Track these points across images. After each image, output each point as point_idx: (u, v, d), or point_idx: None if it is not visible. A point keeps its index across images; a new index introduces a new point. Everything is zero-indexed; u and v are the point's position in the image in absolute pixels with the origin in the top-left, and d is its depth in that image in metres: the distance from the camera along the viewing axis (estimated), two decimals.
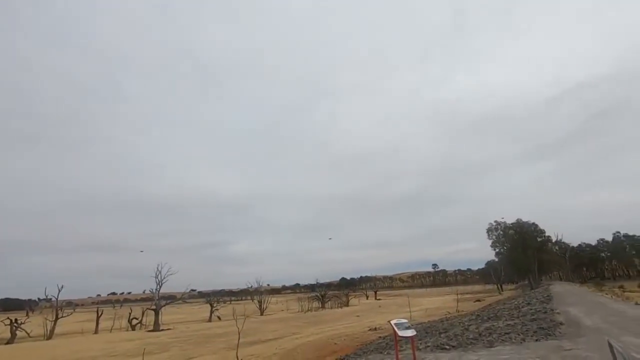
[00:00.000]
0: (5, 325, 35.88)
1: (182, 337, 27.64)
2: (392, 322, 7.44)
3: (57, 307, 38.13)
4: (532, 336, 8.28)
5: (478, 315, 15.34)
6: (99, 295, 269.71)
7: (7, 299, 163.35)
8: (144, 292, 41.89)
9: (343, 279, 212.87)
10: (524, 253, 43.34)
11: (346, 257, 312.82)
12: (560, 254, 57.01)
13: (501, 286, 74.09)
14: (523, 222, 47.75)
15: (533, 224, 47.40)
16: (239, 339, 13.58)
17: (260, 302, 56.04)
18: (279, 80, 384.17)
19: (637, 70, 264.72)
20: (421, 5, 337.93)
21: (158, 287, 37.56)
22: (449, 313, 29.07)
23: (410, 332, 6.96)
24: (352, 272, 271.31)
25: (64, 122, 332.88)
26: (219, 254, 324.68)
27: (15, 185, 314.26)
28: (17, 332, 35.30)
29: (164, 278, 37.85)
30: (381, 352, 10.59)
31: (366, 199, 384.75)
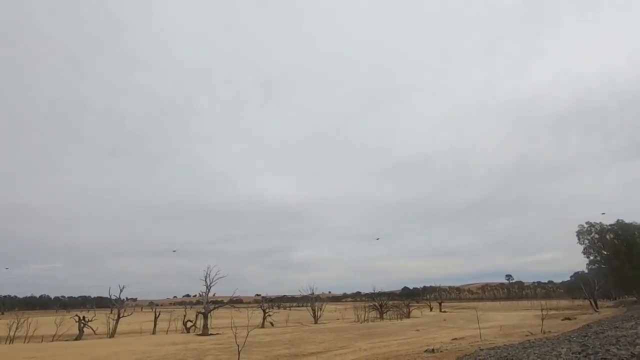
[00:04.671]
0: (75, 322, 38.13)
1: (225, 343, 26.19)
2: None
3: (119, 307, 39.70)
4: None
5: (583, 345, 10.84)
6: (175, 296, 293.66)
7: (99, 297, 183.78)
8: (214, 295, 43.50)
9: (405, 288, 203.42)
10: (629, 262, 34.86)
11: (409, 265, 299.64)
12: None
13: (596, 302, 62.50)
14: (626, 224, 38.64)
15: None
16: (239, 356, 11.10)
17: (314, 309, 53.66)
18: (339, 86, 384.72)
19: None
20: None
21: (207, 290, 37.20)
22: (531, 334, 23.63)
23: None
24: (415, 282, 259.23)
25: (142, 137, 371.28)
26: (283, 260, 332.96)
27: (102, 195, 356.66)
28: (85, 329, 37.33)
29: (213, 281, 37.43)
30: None
31: (430, 205, 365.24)
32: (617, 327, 15.85)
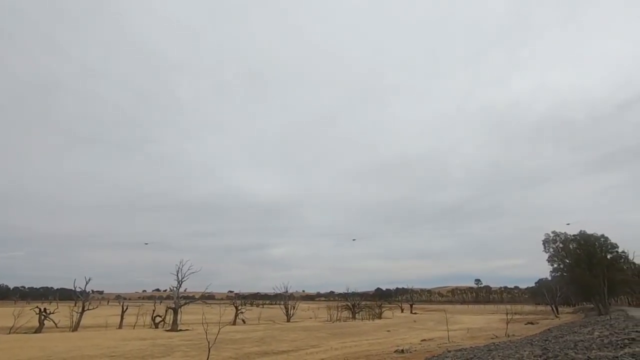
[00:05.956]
0: (36, 314, 36.32)
1: (195, 340, 25.78)
2: None
3: (83, 300, 38.20)
4: None
5: (544, 348, 11.35)
6: (144, 290, 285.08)
7: (62, 289, 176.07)
8: (185, 290, 42.42)
9: (378, 289, 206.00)
10: (589, 271, 36.80)
11: (383, 266, 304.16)
12: (632, 275, 48.64)
13: (557, 308, 65.62)
14: (589, 235, 40.83)
15: (602, 236, 40.30)
16: (209, 353, 10.94)
17: (287, 307, 53.53)
18: (325, 84, 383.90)
19: None
20: (475, 2, 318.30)
21: (179, 285, 36.37)
22: (496, 337, 24.55)
23: None
24: (388, 283, 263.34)
25: (119, 125, 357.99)
26: (259, 257, 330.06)
27: (73, 183, 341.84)
28: (45, 321, 35.63)
29: (185, 276, 36.63)
30: None
31: (408, 207, 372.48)
32: (575, 332, 16.68)
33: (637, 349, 8.62)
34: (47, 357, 17.43)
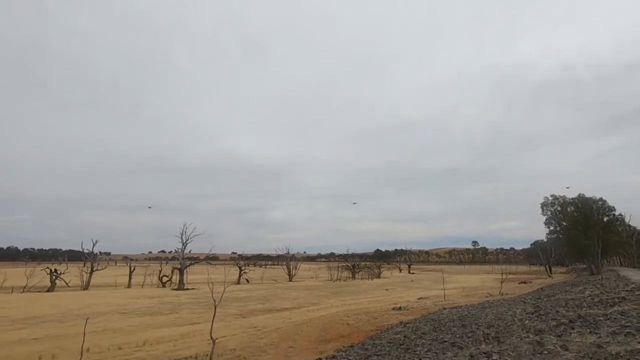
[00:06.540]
0: (47, 274, 37.64)
1: (201, 298, 26.84)
2: None
3: (91, 261, 39.39)
4: None
5: (536, 306, 11.76)
6: (150, 252, 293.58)
7: (71, 251, 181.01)
8: (189, 252, 43.92)
9: (378, 250, 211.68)
10: (585, 233, 37.50)
11: (383, 228, 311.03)
12: (627, 237, 49.61)
13: (550, 268, 67.73)
14: (587, 198, 41.14)
15: (600, 199, 40.63)
16: (215, 310, 11.35)
17: (289, 268, 55.35)
18: (325, 48, 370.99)
19: None
20: None
21: (183, 246, 37.35)
22: (491, 295, 25.51)
23: None
24: (387, 245, 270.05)
25: (115, 89, 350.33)
26: (260, 219, 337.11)
27: (71, 147, 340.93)
28: (57, 281, 37.02)
29: (189, 238, 37.54)
30: (387, 354, 7.69)
31: (407, 170, 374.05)
32: (567, 291, 17.30)
33: (626, 307, 8.94)
34: (60, 314, 18.26)
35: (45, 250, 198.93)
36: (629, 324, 6.63)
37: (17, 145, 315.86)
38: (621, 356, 4.49)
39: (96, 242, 40.28)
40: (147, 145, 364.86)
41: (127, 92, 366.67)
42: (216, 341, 10.25)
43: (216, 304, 11.63)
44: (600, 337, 5.88)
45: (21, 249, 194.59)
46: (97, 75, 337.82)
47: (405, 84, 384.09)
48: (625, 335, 5.74)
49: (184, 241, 37.40)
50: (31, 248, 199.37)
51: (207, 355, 9.88)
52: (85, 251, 41.00)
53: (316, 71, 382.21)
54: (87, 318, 11.00)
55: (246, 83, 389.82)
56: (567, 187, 46.70)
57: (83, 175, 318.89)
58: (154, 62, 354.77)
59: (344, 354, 8.58)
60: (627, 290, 12.87)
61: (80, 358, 8.73)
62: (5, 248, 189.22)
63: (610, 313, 8.36)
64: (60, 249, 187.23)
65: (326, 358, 8.52)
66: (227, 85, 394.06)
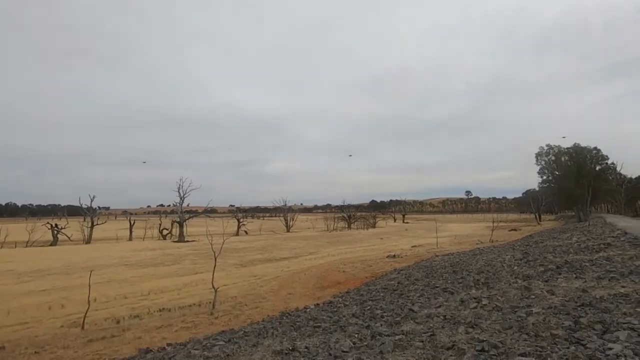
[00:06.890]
0: (48, 229, 38.28)
1: (201, 249, 27.60)
2: None
3: (91, 215, 39.94)
4: None
5: (525, 253, 12.21)
6: (149, 206, 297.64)
7: (70, 206, 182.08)
8: (188, 205, 44.74)
9: (373, 201, 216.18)
10: (576, 181, 38.16)
11: (378, 179, 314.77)
12: (616, 185, 50.69)
13: (540, 216, 70.01)
14: (582, 147, 41.25)
15: (594, 148, 40.78)
16: (215, 260, 11.71)
17: (286, 219, 56.66)
18: None
19: None
20: None
21: (181, 200, 37.76)
22: (481, 242, 26.52)
23: None
24: (383, 195, 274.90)
25: (108, 37, 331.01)
26: (257, 172, 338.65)
27: (64, 98, 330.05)
28: (59, 236, 37.81)
29: (186, 192, 37.84)
30: (381, 299, 8.05)
31: (404, 121, 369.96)
32: (554, 238, 17.98)
33: (611, 253, 9.30)
34: (65, 267, 18.83)
35: (44, 205, 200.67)
36: (614, 269, 6.92)
37: (8, 100, 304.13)
38: (605, 300, 4.70)
39: (94, 197, 40.54)
40: (138, 97, 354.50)
41: (113, 40, 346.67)
42: (218, 289, 10.72)
43: (216, 254, 12.03)
44: (585, 282, 6.15)
45: (20, 204, 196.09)
46: (89, 24, 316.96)
47: (405, 29, 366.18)
48: (609, 280, 6.00)
49: (182, 195, 37.72)
50: (30, 204, 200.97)
51: (210, 302, 10.37)
52: (84, 206, 41.42)
53: (311, 16, 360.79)
54: (92, 270, 11.32)
55: (241, 31, 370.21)
56: (564, 137, 46.83)
57: (75, 130, 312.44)
58: (146, 13, 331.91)
59: (340, 300, 9.03)
60: (612, 237, 13.36)
61: (88, 307, 9.09)
62: (4, 204, 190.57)
63: (595, 259, 8.71)
64: (59, 205, 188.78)
65: (323, 303, 8.97)
66: (222, 34, 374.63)
